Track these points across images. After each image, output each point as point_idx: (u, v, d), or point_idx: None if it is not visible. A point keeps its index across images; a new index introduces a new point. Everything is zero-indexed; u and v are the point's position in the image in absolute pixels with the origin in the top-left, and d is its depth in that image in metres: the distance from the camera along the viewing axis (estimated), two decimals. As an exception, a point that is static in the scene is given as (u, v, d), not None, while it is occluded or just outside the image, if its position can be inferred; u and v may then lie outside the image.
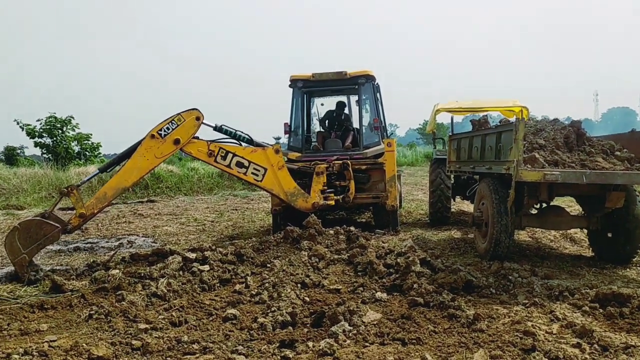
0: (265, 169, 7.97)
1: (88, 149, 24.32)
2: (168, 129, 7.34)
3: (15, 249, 6.27)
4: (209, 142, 7.71)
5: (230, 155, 7.80)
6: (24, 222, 6.54)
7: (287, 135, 10.17)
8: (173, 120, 7.38)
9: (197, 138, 7.67)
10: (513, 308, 4.73)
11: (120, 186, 7.19)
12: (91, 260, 7.12)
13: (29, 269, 6.27)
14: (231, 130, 8.03)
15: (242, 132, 8.11)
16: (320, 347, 3.70)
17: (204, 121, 7.62)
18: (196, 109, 7.51)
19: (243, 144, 8.05)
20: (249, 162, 7.89)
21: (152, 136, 7.30)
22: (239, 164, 7.85)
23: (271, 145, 8.23)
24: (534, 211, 7.06)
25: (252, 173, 7.92)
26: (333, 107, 11.21)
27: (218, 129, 7.95)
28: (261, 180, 7.99)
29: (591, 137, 6.56)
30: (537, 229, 8.73)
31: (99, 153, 25.20)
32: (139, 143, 7.32)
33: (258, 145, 8.13)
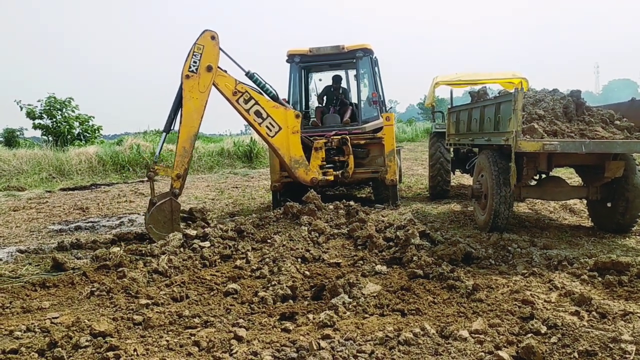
0: (280, 128, 8.01)
1: (89, 131, 24.43)
2: (195, 62, 7.37)
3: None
4: (237, 82, 7.73)
5: (252, 102, 7.82)
6: (149, 220, 7.03)
7: None
8: (194, 52, 7.40)
9: (226, 72, 7.69)
10: (512, 278, 4.76)
11: (191, 134, 7.39)
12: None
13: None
14: (261, 80, 8.05)
15: (270, 86, 8.14)
16: (321, 319, 3.73)
17: (232, 59, 7.67)
18: (207, 30, 7.48)
19: (267, 97, 8.07)
20: (268, 115, 7.92)
21: (187, 76, 7.36)
22: (258, 113, 7.86)
23: (293, 108, 8.29)
24: (533, 182, 7.05)
25: (267, 126, 7.95)
26: (331, 83, 11.12)
27: (250, 75, 7.98)
28: (273, 136, 8.03)
29: (590, 107, 6.52)
30: (537, 200, 8.73)
31: (99, 135, 25.31)
32: (180, 89, 7.38)
33: (281, 104, 8.17)
